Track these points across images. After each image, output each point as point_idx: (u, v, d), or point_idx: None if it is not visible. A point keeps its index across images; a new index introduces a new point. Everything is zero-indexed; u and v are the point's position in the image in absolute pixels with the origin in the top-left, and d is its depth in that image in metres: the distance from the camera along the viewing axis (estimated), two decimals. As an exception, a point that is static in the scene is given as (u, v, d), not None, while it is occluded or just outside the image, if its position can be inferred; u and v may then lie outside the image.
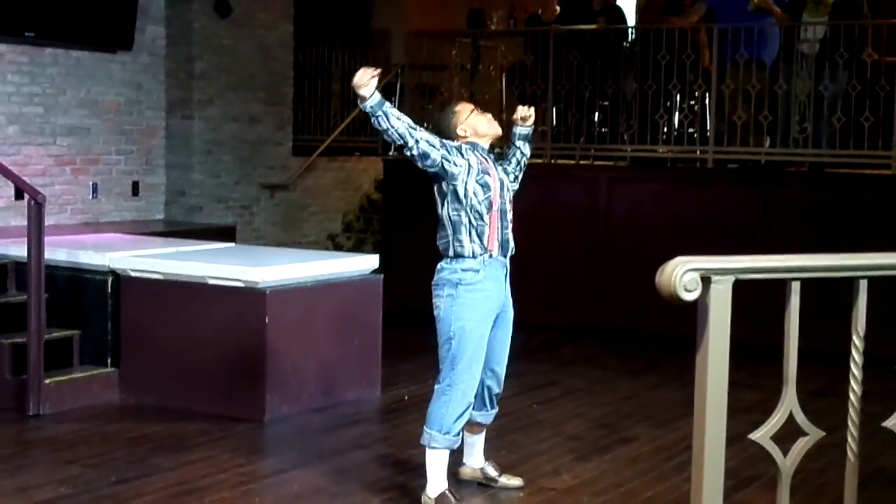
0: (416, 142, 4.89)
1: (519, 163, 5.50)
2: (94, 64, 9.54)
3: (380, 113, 4.81)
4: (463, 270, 5.02)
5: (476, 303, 5.02)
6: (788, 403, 2.34)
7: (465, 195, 5.02)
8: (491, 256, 5.06)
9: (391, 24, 12.78)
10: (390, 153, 11.60)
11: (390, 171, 11.25)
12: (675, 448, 6.31)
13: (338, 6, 12.67)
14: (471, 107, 5.31)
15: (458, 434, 5.11)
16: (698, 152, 10.31)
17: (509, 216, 5.17)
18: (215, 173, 10.50)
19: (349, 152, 12.18)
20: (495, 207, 5.08)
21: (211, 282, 6.93)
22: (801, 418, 2.39)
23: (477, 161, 5.08)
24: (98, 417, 6.83)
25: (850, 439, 2.48)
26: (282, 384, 6.88)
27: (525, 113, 5.44)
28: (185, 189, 10.32)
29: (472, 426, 5.37)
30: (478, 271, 5.02)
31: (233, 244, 8.81)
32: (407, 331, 8.87)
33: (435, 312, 5.13)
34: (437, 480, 5.11)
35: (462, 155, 5.04)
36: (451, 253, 5.08)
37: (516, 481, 5.57)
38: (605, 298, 10.02)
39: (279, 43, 11.04)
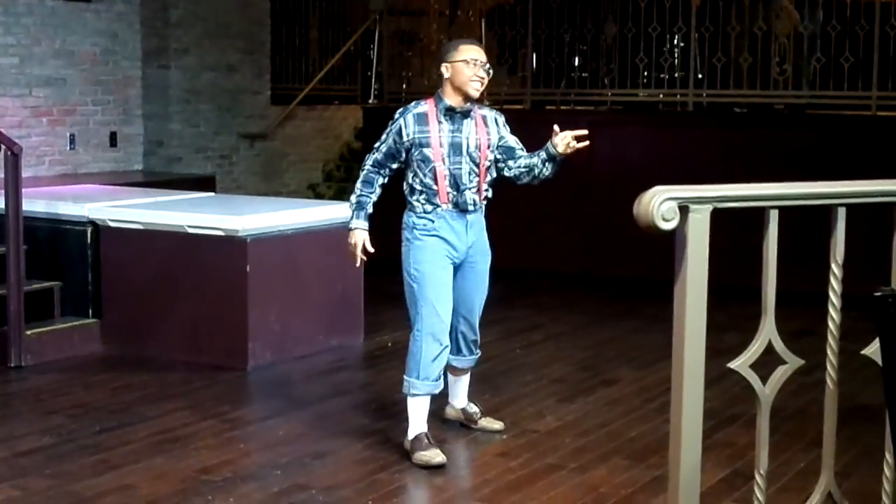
0: (372, 164, 5.23)
1: (529, 172, 5.32)
2: (68, 13, 9.45)
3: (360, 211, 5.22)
4: (417, 217, 5.12)
5: (429, 247, 5.09)
6: (767, 332, 2.36)
7: (414, 163, 5.10)
8: (443, 209, 5.11)
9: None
10: (370, 101, 11.57)
11: (370, 120, 11.21)
12: (656, 389, 6.35)
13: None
14: (474, 54, 5.09)
15: (438, 378, 5.15)
16: (678, 95, 10.30)
17: (473, 177, 5.13)
18: (193, 123, 10.44)
19: (328, 101, 12.12)
20: (441, 171, 5.06)
21: (191, 231, 6.91)
22: (779, 346, 2.40)
23: (420, 126, 5.07)
24: (80, 368, 6.83)
25: (829, 368, 2.50)
26: (264, 332, 6.89)
27: (571, 140, 5.22)
28: (163, 139, 10.27)
29: (451, 369, 5.47)
30: (432, 221, 5.10)
31: (213, 194, 8.78)
32: (389, 279, 8.85)
33: None
34: (416, 424, 5.15)
35: (403, 135, 5.08)
36: (407, 204, 5.19)
37: (497, 424, 5.62)
38: (586, 243, 10.05)
39: (256, -11, 10.96)
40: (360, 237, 5.16)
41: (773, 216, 2.30)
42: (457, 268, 5.20)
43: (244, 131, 10.93)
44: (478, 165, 5.13)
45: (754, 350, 2.35)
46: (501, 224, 9.99)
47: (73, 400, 6.18)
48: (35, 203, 7.20)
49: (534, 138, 10.19)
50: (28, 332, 6.81)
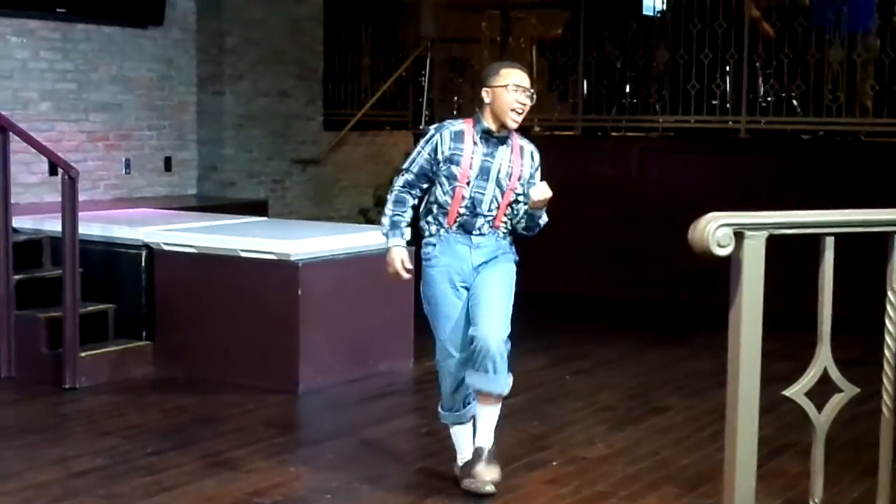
0: (403, 185, 4.96)
1: (520, 219, 5.00)
2: (125, 40, 9.56)
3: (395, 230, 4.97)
4: (424, 245, 4.95)
5: (435, 278, 4.91)
6: (823, 360, 2.34)
7: (439, 177, 4.87)
8: (446, 231, 4.88)
9: (420, -3, 12.75)
10: (420, 127, 11.60)
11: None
12: (707, 417, 6.30)
13: (367, -20, 12.64)
14: (516, 79, 4.82)
15: (464, 408, 5.06)
16: (730, 122, 10.25)
17: (494, 205, 4.86)
18: (247, 148, 10.51)
19: (379, 126, 12.17)
20: (460, 192, 4.81)
21: (244, 255, 6.96)
22: (835, 374, 2.38)
23: (456, 143, 4.84)
24: (133, 390, 6.88)
25: (885, 396, 2.47)
26: (315, 356, 6.91)
27: (537, 197, 4.83)
28: (216, 164, 10.35)
29: (477, 394, 5.02)
30: (434, 245, 4.90)
31: (265, 218, 8.84)
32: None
33: None
34: (460, 452, 5.13)
35: (439, 151, 4.85)
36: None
37: (488, 487, 4.94)
38: (636, 269, 10.00)
39: (309, 17, 11.02)
40: (398, 254, 4.90)
41: (829, 243, 2.28)
42: (471, 286, 4.92)
43: (296, 156, 10.99)
44: (503, 194, 4.86)
45: (810, 377, 2.33)
46: (548, 249, 10.03)
47: (126, 422, 6.22)
48: (91, 226, 7.28)
49: (584, 164, 10.24)
50: (82, 354, 6.88)
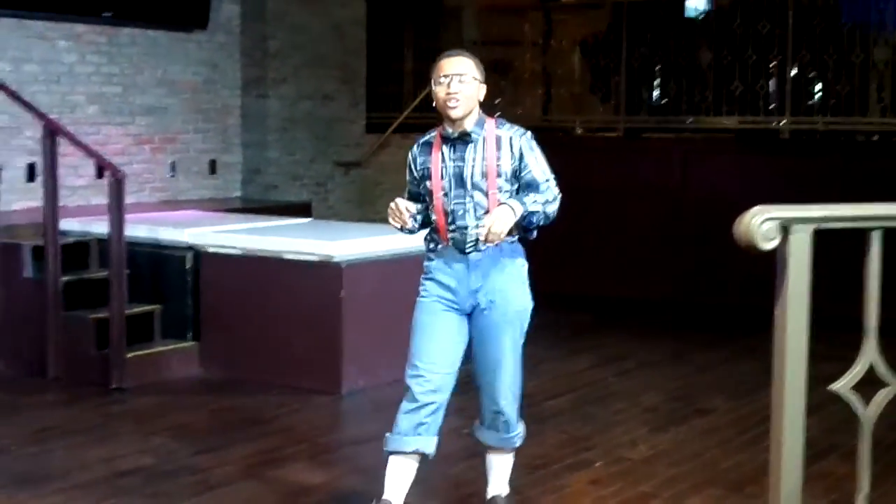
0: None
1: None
2: (170, 43, 9.64)
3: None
4: (425, 259, 4.50)
5: (425, 292, 4.46)
6: (869, 355, 2.31)
7: (424, 197, 4.42)
8: (442, 248, 4.38)
9: (463, 1, 12.73)
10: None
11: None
12: (751, 419, 6.26)
13: (410, -16, 12.66)
14: (445, 69, 4.28)
15: (411, 434, 4.40)
16: (774, 123, 10.19)
17: (480, 212, 4.26)
18: (290, 151, 10.56)
19: (421, 129, 11.97)
20: (440, 206, 4.32)
21: (288, 256, 6.99)
22: (881, 370, 2.35)
23: (424, 157, 4.39)
24: (178, 391, 6.93)
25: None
26: (358, 357, 6.92)
27: (487, 231, 4.15)
28: (260, 167, 10.40)
29: (479, 443, 4.73)
30: (431, 260, 4.44)
31: (308, 220, 8.87)
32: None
33: None
34: (385, 488, 4.52)
35: (413, 169, 4.43)
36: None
37: None
38: (679, 271, 9.95)
39: (352, 20, 11.05)
40: (399, 201, 4.32)
41: (876, 237, 2.26)
42: (471, 319, 4.42)
43: (339, 159, 11.02)
44: (486, 196, 4.27)
45: (856, 372, 2.30)
46: (591, 250, 10.02)
47: (171, 422, 6.27)
48: (137, 228, 7.34)
49: (626, 166, 10.20)
50: (129, 355, 6.93)
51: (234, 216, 8.48)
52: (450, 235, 4.32)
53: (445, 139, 4.34)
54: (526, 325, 4.50)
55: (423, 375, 4.36)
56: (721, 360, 7.93)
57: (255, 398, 6.70)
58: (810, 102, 10.17)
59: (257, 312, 7.12)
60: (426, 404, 4.37)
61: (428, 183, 4.34)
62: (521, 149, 4.34)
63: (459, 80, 4.24)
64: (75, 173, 8.50)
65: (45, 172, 7.23)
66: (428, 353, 4.39)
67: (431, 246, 4.43)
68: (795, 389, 2.27)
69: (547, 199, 4.31)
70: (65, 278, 7.18)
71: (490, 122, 4.37)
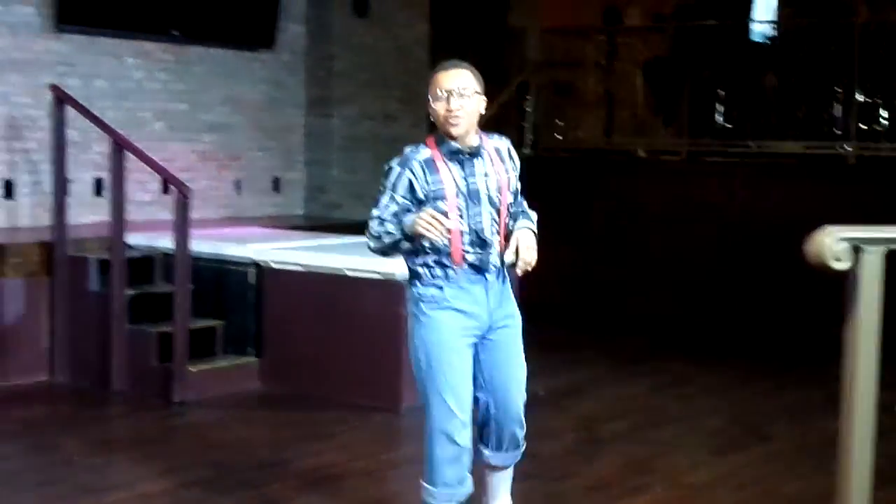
0: (379, 223, 4.05)
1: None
2: (236, 62, 9.73)
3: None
4: (423, 287, 4.09)
5: (440, 323, 4.06)
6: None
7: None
8: (455, 272, 4.06)
9: (527, 22, 12.74)
10: (524, 151, 11.58)
11: (523, 170, 11.20)
12: (815, 446, 6.16)
13: (475, 5, 12.68)
14: (443, 83, 4.04)
15: (461, 482, 4.19)
16: (838, 148, 10.07)
17: (495, 228, 4.08)
18: (353, 170, 10.61)
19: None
20: (457, 227, 4.00)
21: (350, 273, 7.01)
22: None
23: (432, 176, 4.03)
24: (240, 405, 6.97)
25: None
26: (418, 375, 6.92)
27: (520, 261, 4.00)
28: (324, 185, 10.46)
29: (487, 465, 4.48)
30: (441, 289, 4.05)
31: (370, 238, 8.88)
32: (540, 325, 8.85)
33: None
34: None
35: (417, 188, 4.02)
36: (409, 273, 4.19)
37: None
38: (741, 295, 9.85)
39: (416, 41, 11.10)
40: (426, 211, 3.93)
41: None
42: (479, 343, 4.16)
43: (401, 179, 11.04)
44: (499, 213, 4.09)
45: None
46: (653, 274, 9.95)
47: (232, 435, 6.30)
48: (201, 244, 7.39)
49: (688, 189, 10.13)
50: (191, 369, 6.99)
51: (297, 233, 8.54)
52: (469, 257, 4.03)
53: (450, 155, 4.06)
54: None
55: (460, 417, 4.07)
56: (782, 386, 7.83)
57: (315, 414, 6.71)
58: (877, 128, 10.05)
59: (318, 329, 7.15)
60: (465, 447, 4.14)
61: (441, 204, 3.98)
62: (516, 158, 4.25)
63: (460, 95, 4.01)
64: (142, 188, 8.60)
65: (113, 187, 7.33)
66: (460, 393, 4.08)
67: (438, 272, 4.04)
68: (864, 414, 2.24)
69: (525, 207, 4.24)
70: (130, 292, 7.26)
71: (482, 134, 4.17)
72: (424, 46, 11.24)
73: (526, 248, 3.98)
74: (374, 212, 4.07)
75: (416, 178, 4.01)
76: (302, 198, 10.47)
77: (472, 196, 4.04)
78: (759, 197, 9.86)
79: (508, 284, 4.21)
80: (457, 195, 4.01)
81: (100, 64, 8.76)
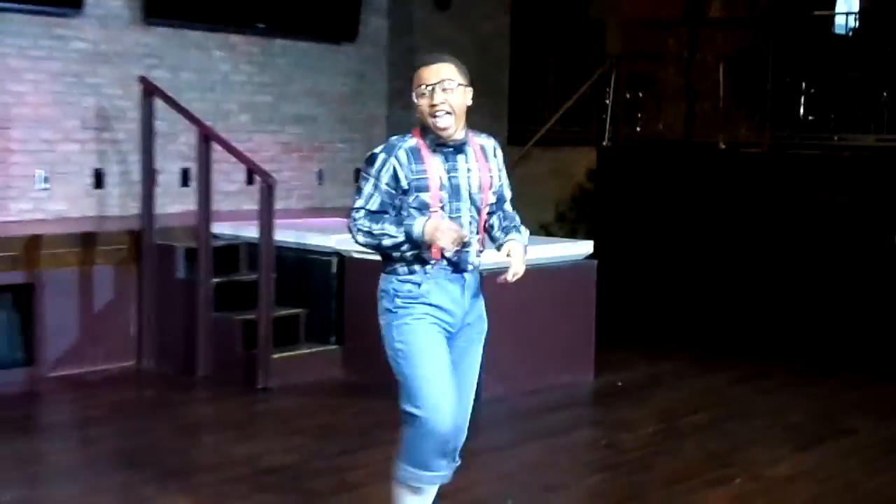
0: (365, 217, 3.91)
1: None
2: (320, 55, 9.80)
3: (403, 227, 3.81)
4: (399, 281, 3.92)
5: (415, 317, 3.93)
6: None
7: (404, 212, 3.87)
8: (432, 268, 3.91)
9: (607, 14, 12.66)
10: (603, 143, 11.53)
11: (603, 161, 11.16)
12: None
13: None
14: (426, 76, 3.87)
15: (445, 468, 4.15)
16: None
17: (474, 226, 3.94)
18: (433, 161, 10.62)
19: (562, 142, 12.12)
20: (434, 214, 3.82)
21: (431, 263, 7.02)
22: None
23: (417, 164, 3.85)
24: (322, 392, 7.02)
25: None
26: (498, 365, 6.88)
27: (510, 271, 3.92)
28: (405, 176, 10.48)
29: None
30: (418, 284, 3.91)
31: (450, 229, 8.90)
32: (619, 316, 8.81)
33: None
34: None
35: (401, 177, 3.83)
36: (383, 266, 4.03)
37: None
38: (822, 289, 9.71)
39: (496, 34, 11.08)
40: (436, 218, 3.80)
41: None
42: (447, 342, 4.00)
43: (481, 170, 11.03)
44: (479, 211, 3.95)
45: None
46: (735, 268, 9.83)
47: (315, 421, 6.36)
48: (285, 234, 7.45)
49: (770, 182, 10.00)
50: (275, 356, 7.06)
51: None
52: (447, 254, 3.85)
53: (436, 147, 3.88)
54: None
55: (447, 413, 3.95)
56: (862, 382, 7.73)
57: (394, 402, 6.73)
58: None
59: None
60: (449, 439, 4.03)
61: (423, 195, 3.82)
62: (500, 159, 4.08)
63: (443, 89, 3.83)
64: (227, 179, 8.70)
65: (199, 177, 7.41)
66: (449, 390, 3.95)
67: (415, 268, 3.88)
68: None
69: (519, 224, 4.09)
70: (215, 280, 7.35)
71: (470, 132, 4.00)
72: (505, 39, 11.23)
73: (518, 258, 3.92)
74: (359, 202, 3.91)
75: (401, 166, 3.82)
76: (383, 189, 10.49)
77: (453, 190, 3.88)
78: (842, 191, 9.70)
79: (484, 315, 4.12)
80: (440, 188, 3.85)
81: (187, 56, 8.87)
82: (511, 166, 11.38)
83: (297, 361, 7.24)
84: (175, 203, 8.43)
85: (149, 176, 7.74)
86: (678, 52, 11.57)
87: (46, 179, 8.10)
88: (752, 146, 10.55)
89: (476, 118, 11.38)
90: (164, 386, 7.23)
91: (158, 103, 7.72)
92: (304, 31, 9.54)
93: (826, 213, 9.64)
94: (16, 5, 7.78)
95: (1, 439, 6.01)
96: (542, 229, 11.72)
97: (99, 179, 8.37)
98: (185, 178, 8.63)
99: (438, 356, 3.94)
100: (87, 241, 7.45)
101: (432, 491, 4.22)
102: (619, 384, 7.46)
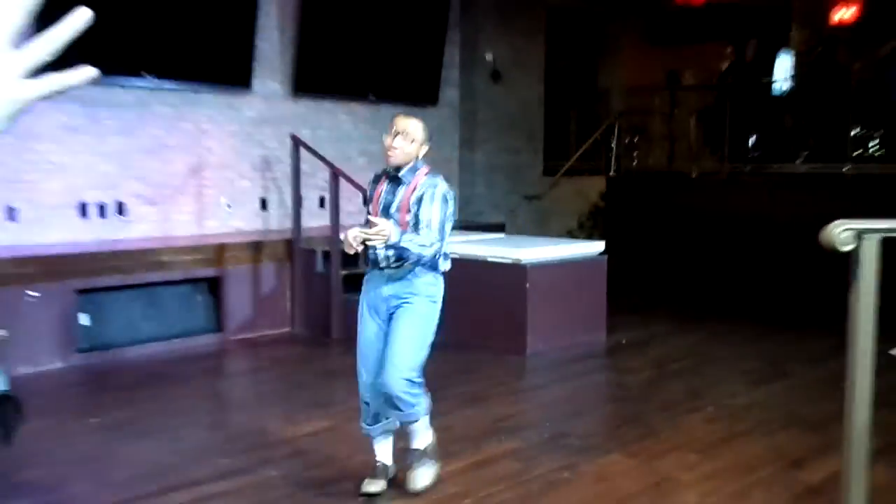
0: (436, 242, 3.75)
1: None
2: (413, 114, 9.80)
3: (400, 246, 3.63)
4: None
5: (360, 306, 3.86)
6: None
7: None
8: (370, 265, 3.82)
9: (611, 83, 12.57)
10: (610, 173, 11.43)
11: (610, 186, 11.09)
12: (825, 381, 5.95)
13: (574, 73, 12.56)
14: (394, 123, 3.81)
15: (370, 424, 3.92)
16: (840, 168, 9.64)
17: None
18: (491, 188, 10.63)
19: (581, 172, 12.04)
20: (370, 218, 3.64)
21: (490, 259, 7.03)
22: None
23: (373, 185, 3.86)
24: (417, 348, 7.05)
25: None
26: (537, 329, 6.91)
27: (374, 231, 3.54)
28: (471, 198, 10.51)
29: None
30: (364, 276, 3.91)
31: (503, 235, 8.91)
32: (620, 297, 8.75)
33: None
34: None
35: (367, 196, 3.89)
36: None
37: (415, 484, 3.97)
38: (772, 274, 9.52)
39: (534, 99, 11.05)
40: (353, 229, 3.59)
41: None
42: (389, 320, 3.81)
43: (524, 193, 11.03)
44: (397, 225, 3.67)
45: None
46: (701, 259, 9.72)
47: (412, 369, 6.38)
48: (390, 239, 7.47)
49: (729, 199, 9.83)
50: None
51: (454, 232, 8.54)
52: (369, 254, 3.74)
53: (387, 175, 3.81)
54: (426, 329, 3.84)
55: (363, 378, 3.83)
56: (802, 338, 7.55)
57: (467, 356, 6.75)
58: (869, 153, 9.59)
59: (468, 298, 7.16)
60: (368, 401, 3.88)
61: (369, 207, 3.81)
62: (422, 196, 3.71)
63: (403, 138, 3.75)
64: (350, 203, 8.74)
65: (331, 202, 7.47)
66: (366, 358, 3.83)
67: (367, 266, 3.84)
68: (864, 356, 2.17)
69: (422, 242, 3.65)
70: (343, 272, 7.39)
71: (422, 171, 3.79)
72: (540, 101, 11.19)
73: (385, 227, 3.52)
74: None
75: (369, 185, 3.87)
76: (457, 208, 10.51)
77: (384, 207, 3.75)
78: (780, 204, 9.53)
79: (415, 276, 3.76)
80: (378, 202, 3.77)
81: (322, 119, 8.95)
82: (545, 190, 11.34)
83: (399, 327, 7.24)
84: (315, 220, 8.50)
85: (297, 202, 7.82)
86: (662, 108, 11.44)
87: (229, 206, 8.23)
88: (714, 174, 10.41)
89: (523, 156, 11.36)
90: (309, 345, 7.31)
91: (303, 152, 7.80)
92: (402, 98, 9.57)
93: (769, 220, 9.48)
94: (206, 86, 7.92)
95: (200, 382, 6.14)
96: (568, 234, 11.66)
97: (264, 205, 8.48)
98: (321, 202, 8.71)
99: (363, 333, 3.81)
100: (256, 247, 7.56)
101: (384, 442, 3.97)
102: (624, 342, 7.40)
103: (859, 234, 2.02)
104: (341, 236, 3.60)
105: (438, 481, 4.04)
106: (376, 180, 3.86)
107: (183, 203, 7.90)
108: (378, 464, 3.96)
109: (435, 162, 10.09)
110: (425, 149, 3.83)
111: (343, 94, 9.03)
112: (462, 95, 10.42)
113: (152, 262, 6.96)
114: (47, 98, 0.85)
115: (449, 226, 3.79)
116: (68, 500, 3.95)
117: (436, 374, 6.24)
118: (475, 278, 7.14)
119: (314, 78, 8.68)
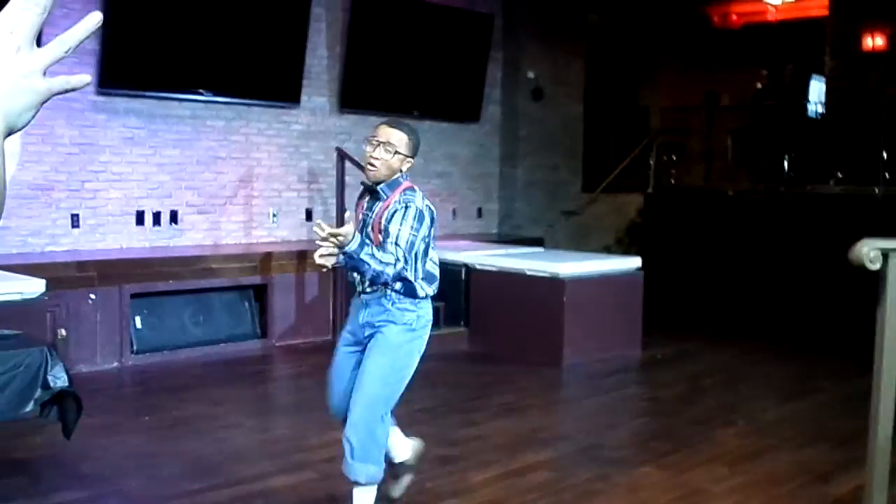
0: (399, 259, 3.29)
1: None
2: (454, 131, 9.90)
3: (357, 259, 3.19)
4: None
5: (341, 330, 3.58)
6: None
7: None
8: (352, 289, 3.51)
9: (650, 102, 12.56)
10: (648, 190, 11.41)
11: (648, 203, 11.06)
12: (853, 397, 5.86)
13: (613, 90, 12.58)
14: (377, 131, 3.37)
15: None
16: (872, 189, 9.54)
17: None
18: (531, 203, 10.66)
19: (619, 189, 12.02)
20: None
21: (529, 272, 7.07)
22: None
23: (357, 201, 3.49)
24: (454, 359, 7.05)
25: None
26: (574, 342, 6.92)
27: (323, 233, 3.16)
28: (511, 213, 10.55)
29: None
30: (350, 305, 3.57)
31: (542, 249, 8.94)
32: (658, 310, 8.72)
33: None
34: None
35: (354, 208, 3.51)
36: None
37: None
38: (802, 291, 9.42)
39: (574, 116, 11.07)
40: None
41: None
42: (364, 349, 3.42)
43: (563, 209, 11.04)
44: (372, 242, 3.30)
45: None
46: (734, 276, 9.66)
47: (449, 378, 6.40)
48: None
49: (764, 218, 9.76)
50: (423, 334, 7.13)
51: (494, 245, 8.63)
52: (349, 277, 3.44)
53: (367, 189, 3.43)
54: (399, 363, 3.40)
55: (330, 402, 3.47)
56: (828, 356, 7.49)
57: (504, 367, 6.79)
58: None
59: (507, 309, 7.23)
60: (338, 424, 3.54)
61: (352, 223, 3.27)
62: (394, 212, 3.29)
63: (385, 149, 3.31)
64: (392, 215, 8.84)
65: (374, 214, 7.53)
66: (336, 381, 3.48)
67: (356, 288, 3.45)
68: (890, 372, 2.19)
69: (385, 259, 3.23)
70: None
71: (401, 188, 3.36)
72: (580, 119, 11.19)
73: (345, 231, 3.12)
74: None
75: (357, 199, 3.49)
76: (496, 221, 10.58)
77: (362, 224, 3.37)
78: (813, 224, 9.44)
79: (390, 301, 3.39)
80: (357, 220, 3.39)
81: (367, 133, 9.00)
82: (584, 206, 11.36)
83: (437, 339, 7.08)
84: (358, 231, 8.59)
85: (341, 212, 7.90)
86: (699, 127, 11.40)
87: (275, 216, 8.36)
88: (750, 193, 10.35)
89: (562, 173, 11.41)
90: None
91: (348, 165, 7.89)
92: (444, 115, 9.68)
93: (803, 239, 9.40)
94: (257, 101, 8.08)
95: (245, 385, 6.25)
96: (605, 249, 11.62)
97: (309, 215, 8.59)
98: (364, 214, 8.79)
99: (333, 361, 3.47)
100: (301, 256, 7.65)
101: (392, 436, 3.68)
102: (658, 357, 7.39)
103: (886, 254, 2.05)
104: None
105: (472, 490, 4.09)
106: (361, 195, 3.46)
107: (232, 213, 8.05)
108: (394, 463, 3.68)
109: (477, 176, 10.31)
110: (410, 163, 3.37)
111: (388, 109, 9.09)
112: (504, 112, 10.47)
113: (202, 269, 7.11)
114: (58, 94, 0.92)
115: (423, 246, 3.33)
116: (121, 493, 4.07)
117: (473, 384, 6.34)
118: (513, 291, 7.18)
119: (360, 93, 8.79)
